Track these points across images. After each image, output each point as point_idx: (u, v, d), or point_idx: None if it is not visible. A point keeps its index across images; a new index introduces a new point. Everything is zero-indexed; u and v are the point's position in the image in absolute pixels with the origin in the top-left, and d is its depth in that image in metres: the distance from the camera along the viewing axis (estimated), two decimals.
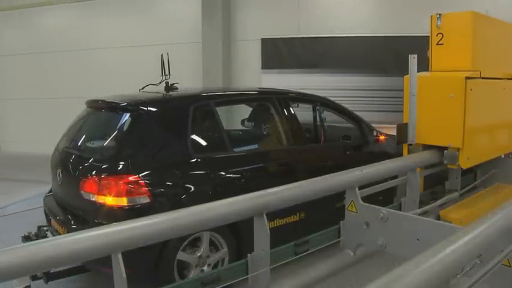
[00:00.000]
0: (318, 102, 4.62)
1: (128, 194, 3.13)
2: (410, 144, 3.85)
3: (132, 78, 8.20)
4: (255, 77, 8.09)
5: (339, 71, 7.59)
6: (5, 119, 11.10)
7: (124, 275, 1.93)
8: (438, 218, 3.68)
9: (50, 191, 4.05)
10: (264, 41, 8.07)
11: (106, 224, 2.10)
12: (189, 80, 8.16)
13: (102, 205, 3.18)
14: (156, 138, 3.47)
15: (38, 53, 10.32)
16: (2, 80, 11.06)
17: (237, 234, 3.41)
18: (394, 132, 3.89)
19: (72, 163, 3.65)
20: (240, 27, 8.38)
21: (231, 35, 8.42)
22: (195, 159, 3.45)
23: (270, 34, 8.01)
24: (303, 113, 4.70)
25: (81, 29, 9.79)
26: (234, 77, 8.45)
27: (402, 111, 3.87)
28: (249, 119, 5.11)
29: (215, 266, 3.39)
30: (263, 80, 7.97)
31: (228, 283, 2.50)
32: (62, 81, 9.94)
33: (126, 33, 9.32)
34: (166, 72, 4.06)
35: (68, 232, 3.30)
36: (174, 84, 4.02)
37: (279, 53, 7.98)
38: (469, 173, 4.36)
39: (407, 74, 3.66)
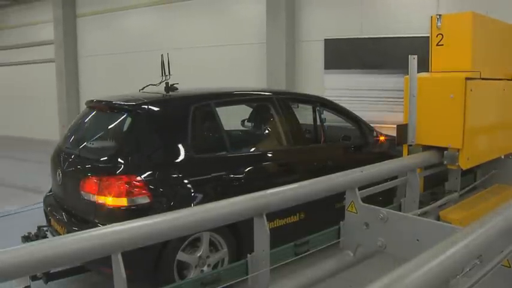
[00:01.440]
0: (318, 103, 4.62)
1: (128, 194, 3.13)
2: (410, 145, 3.85)
3: (209, 76, 9.19)
4: (317, 77, 8.13)
5: (402, 72, 7.40)
6: None
7: (124, 275, 1.93)
8: (438, 218, 3.68)
9: (50, 191, 4.05)
10: (327, 42, 8.00)
11: (106, 224, 2.10)
12: (254, 80, 8.64)
13: (102, 205, 3.17)
14: (156, 139, 3.47)
15: (120, 53, 11.11)
16: (85, 79, 12.04)
17: (237, 235, 3.41)
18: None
19: (72, 163, 3.65)
20: (304, 28, 8.44)
21: (295, 36, 8.50)
22: (195, 160, 3.45)
23: (333, 35, 7.99)
24: (306, 113, 4.70)
25: (161, 30, 10.38)
26: (298, 78, 8.54)
27: None
28: (249, 120, 5.10)
29: (215, 266, 3.38)
30: (325, 81, 7.97)
31: (228, 283, 2.49)
32: (143, 80, 10.08)
33: (202, 34, 9.75)
34: (166, 73, 4.05)
35: (67, 232, 3.30)
36: (174, 84, 4.02)
37: (341, 53, 7.91)
38: (469, 174, 4.36)
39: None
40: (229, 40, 9.24)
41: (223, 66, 9.26)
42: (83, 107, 4.00)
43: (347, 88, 7.27)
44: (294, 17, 8.44)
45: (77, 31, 12.10)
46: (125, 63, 11.00)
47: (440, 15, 3.85)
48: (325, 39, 8.02)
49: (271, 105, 4.21)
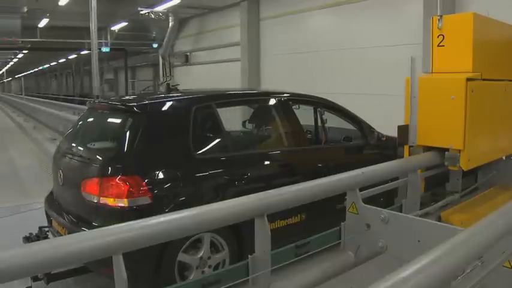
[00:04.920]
0: (319, 104, 4.62)
1: (129, 195, 3.13)
2: (411, 146, 3.85)
3: (379, 75, 9.62)
4: None
5: None
6: None
7: (125, 276, 1.94)
8: (439, 219, 3.68)
9: (51, 192, 4.05)
10: None
11: (107, 225, 2.10)
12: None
13: (103, 206, 3.17)
14: (157, 140, 3.47)
15: (300, 52, 12.11)
16: (266, 75, 13.82)
17: (238, 236, 3.40)
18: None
19: (74, 164, 3.65)
20: None
21: None
22: (196, 160, 3.45)
23: None
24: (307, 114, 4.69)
25: (336, 31, 11.14)
26: None
27: None
28: (250, 120, 5.11)
29: (216, 267, 3.38)
30: None
31: (229, 284, 2.49)
32: (322, 78, 11.08)
33: (371, 34, 10.17)
34: (167, 74, 4.06)
35: (69, 233, 3.30)
36: (175, 85, 4.02)
37: None
38: (470, 175, 4.35)
39: None
40: (392, 41, 9.46)
41: (385, 66, 9.48)
42: None
43: None
44: None
45: (260, 33, 13.83)
46: (305, 62, 11.59)
47: (441, 16, 3.85)
48: None
49: (272, 106, 4.21)
